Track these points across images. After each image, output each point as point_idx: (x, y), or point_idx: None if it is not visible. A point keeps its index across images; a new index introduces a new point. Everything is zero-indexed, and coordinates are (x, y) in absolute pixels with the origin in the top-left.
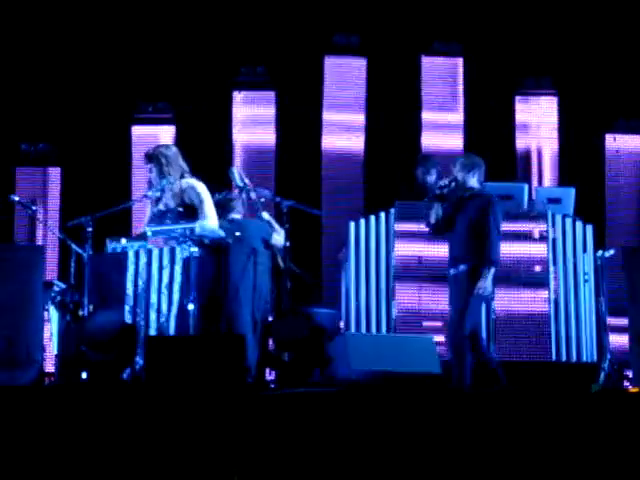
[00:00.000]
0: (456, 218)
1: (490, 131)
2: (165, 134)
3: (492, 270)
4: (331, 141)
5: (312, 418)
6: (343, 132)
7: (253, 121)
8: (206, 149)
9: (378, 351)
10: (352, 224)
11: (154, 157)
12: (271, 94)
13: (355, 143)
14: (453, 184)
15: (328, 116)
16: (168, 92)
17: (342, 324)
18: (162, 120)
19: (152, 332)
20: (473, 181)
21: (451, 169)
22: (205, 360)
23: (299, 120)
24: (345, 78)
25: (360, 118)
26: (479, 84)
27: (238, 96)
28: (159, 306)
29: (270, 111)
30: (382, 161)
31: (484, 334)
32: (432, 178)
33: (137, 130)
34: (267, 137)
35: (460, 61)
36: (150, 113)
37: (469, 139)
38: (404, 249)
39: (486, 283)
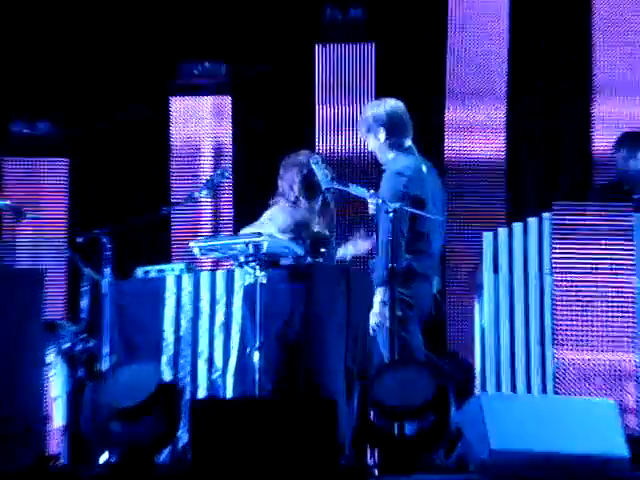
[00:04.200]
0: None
1: None
2: (217, 108)
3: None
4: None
5: None
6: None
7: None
8: (276, 127)
9: (530, 422)
10: (489, 236)
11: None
12: (368, 47)
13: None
14: None
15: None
16: (222, 47)
17: (477, 380)
18: (212, 88)
19: (201, 394)
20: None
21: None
22: (278, 434)
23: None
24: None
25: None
26: None
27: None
28: (211, 356)
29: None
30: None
31: None
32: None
33: (177, 102)
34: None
35: None
36: (196, 77)
37: None
38: (566, 270)
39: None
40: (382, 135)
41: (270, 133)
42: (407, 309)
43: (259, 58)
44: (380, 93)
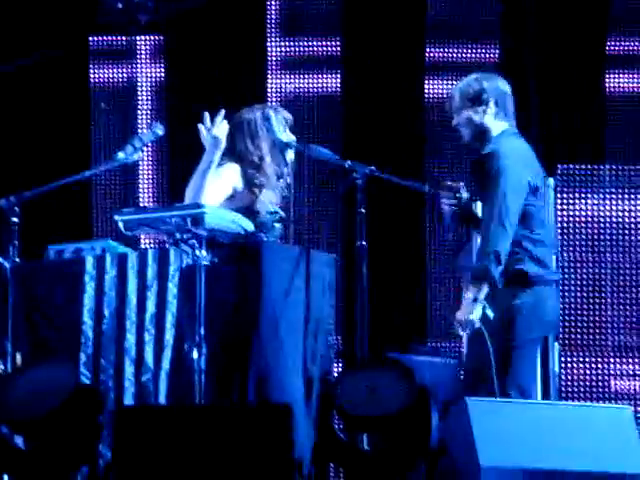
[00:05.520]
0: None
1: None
2: (147, 49)
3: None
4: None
5: None
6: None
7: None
8: (217, 74)
9: (528, 434)
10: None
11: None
12: None
13: None
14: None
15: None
16: None
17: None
18: (140, 25)
19: (128, 399)
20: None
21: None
22: (222, 448)
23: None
24: None
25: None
26: None
27: None
28: (140, 354)
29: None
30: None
31: None
32: None
33: (97, 43)
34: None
35: None
36: (119, 14)
37: None
38: (573, 243)
39: (468, 307)
40: (492, 108)
41: (213, 80)
42: None
43: None
44: (348, 26)
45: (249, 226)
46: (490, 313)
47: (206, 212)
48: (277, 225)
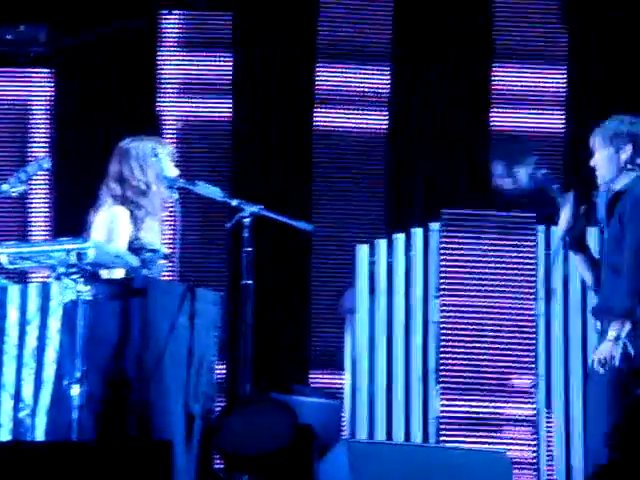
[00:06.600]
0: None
1: None
2: (35, 83)
3: (625, 326)
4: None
5: None
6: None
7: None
8: (107, 110)
9: (405, 476)
10: (363, 248)
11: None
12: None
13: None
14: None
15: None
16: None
17: (345, 423)
18: (29, 58)
19: (4, 436)
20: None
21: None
22: None
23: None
24: None
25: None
26: None
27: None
28: (18, 389)
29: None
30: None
31: None
32: (524, 177)
33: None
34: (219, 105)
35: None
36: (8, 44)
37: None
38: (455, 293)
39: (610, 345)
40: (630, 150)
41: (105, 109)
42: None
43: (91, 20)
44: (239, 52)
45: (134, 261)
46: (632, 351)
47: (90, 247)
48: (161, 261)
